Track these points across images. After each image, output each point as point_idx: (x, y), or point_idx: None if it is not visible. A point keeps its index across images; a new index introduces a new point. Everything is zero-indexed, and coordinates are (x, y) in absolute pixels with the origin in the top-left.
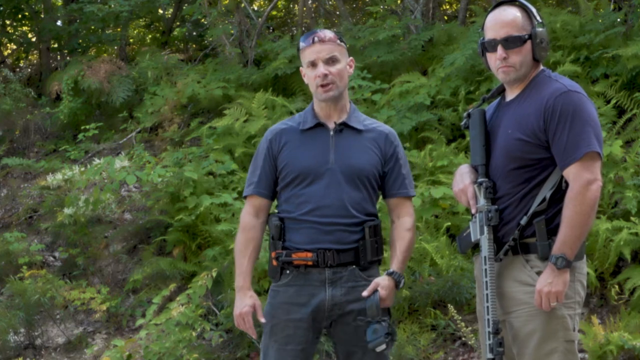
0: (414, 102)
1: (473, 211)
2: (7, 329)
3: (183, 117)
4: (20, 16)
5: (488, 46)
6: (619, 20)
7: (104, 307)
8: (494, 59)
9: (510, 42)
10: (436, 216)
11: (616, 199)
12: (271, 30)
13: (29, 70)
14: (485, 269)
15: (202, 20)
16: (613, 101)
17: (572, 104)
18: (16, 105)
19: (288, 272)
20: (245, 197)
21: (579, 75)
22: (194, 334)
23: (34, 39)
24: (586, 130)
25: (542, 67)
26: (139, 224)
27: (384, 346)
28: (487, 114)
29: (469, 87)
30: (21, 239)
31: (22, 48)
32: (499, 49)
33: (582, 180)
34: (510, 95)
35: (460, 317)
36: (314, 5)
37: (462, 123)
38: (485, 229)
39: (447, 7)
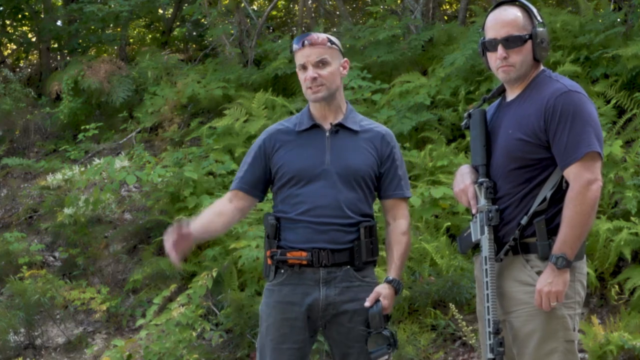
0: (414, 102)
1: (474, 211)
2: (7, 329)
3: (183, 117)
4: (20, 16)
5: (489, 46)
6: (619, 20)
7: (104, 307)
8: (495, 59)
9: (511, 42)
10: (436, 216)
11: (616, 199)
12: (271, 30)
13: (29, 70)
14: (486, 269)
15: (202, 20)
16: (613, 101)
17: (572, 104)
18: (16, 105)
19: (283, 271)
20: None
21: (579, 75)
22: (194, 334)
23: (34, 39)
24: (586, 130)
25: (542, 67)
26: (139, 224)
27: (386, 357)
28: (488, 114)
29: (469, 87)
30: (21, 239)
31: (22, 48)
32: (500, 48)
33: (583, 180)
34: (510, 95)
35: (460, 317)
36: (314, 5)
37: (463, 123)
38: (486, 229)
39: (447, 7)
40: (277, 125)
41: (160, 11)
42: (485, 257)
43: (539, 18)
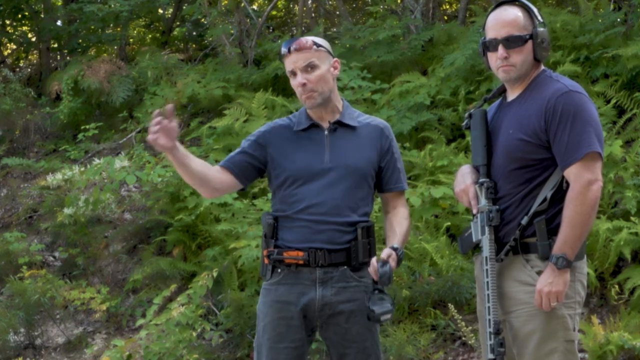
0: (414, 102)
1: (474, 211)
2: (7, 328)
3: (183, 117)
4: (20, 16)
5: (489, 45)
6: (618, 20)
7: (103, 307)
8: (495, 59)
9: (512, 42)
10: (436, 216)
11: (616, 199)
12: (271, 30)
13: (29, 70)
14: (487, 269)
15: (202, 20)
16: (613, 101)
17: (573, 104)
18: (16, 105)
19: (279, 270)
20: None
21: (579, 75)
22: (194, 334)
23: (33, 39)
24: (587, 131)
25: (543, 67)
26: (138, 224)
27: (389, 316)
28: (489, 114)
29: (468, 87)
30: (21, 239)
31: (22, 48)
32: (500, 48)
33: (583, 180)
34: (511, 95)
35: (460, 317)
36: (314, 5)
37: (464, 123)
38: (487, 229)
39: (447, 7)
40: (279, 121)
41: (160, 11)
42: (486, 257)
43: (539, 18)
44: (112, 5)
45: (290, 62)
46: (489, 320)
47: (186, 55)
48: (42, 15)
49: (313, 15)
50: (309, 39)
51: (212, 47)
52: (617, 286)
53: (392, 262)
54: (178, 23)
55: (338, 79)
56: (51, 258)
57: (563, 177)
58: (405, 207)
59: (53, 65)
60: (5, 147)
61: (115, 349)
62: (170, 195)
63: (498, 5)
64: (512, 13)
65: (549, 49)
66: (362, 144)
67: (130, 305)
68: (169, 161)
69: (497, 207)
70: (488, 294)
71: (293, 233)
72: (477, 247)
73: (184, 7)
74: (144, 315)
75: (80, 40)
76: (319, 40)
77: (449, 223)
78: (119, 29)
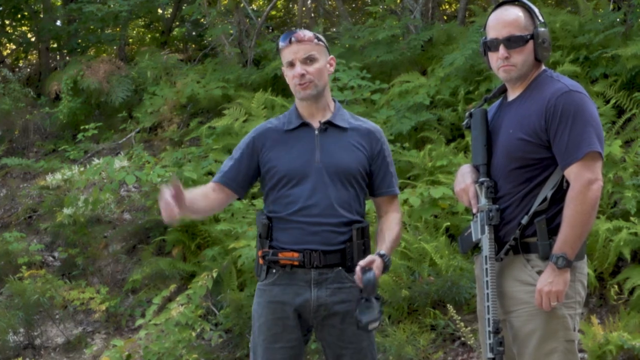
0: (414, 102)
1: (474, 211)
2: (7, 329)
3: (182, 117)
4: (19, 16)
5: (490, 45)
6: (618, 20)
7: (103, 307)
8: (496, 59)
9: (512, 42)
10: (435, 216)
11: (615, 199)
12: (270, 30)
13: (28, 70)
14: (486, 269)
15: (202, 20)
16: (612, 101)
17: (573, 103)
18: (15, 105)
19: (274, 271)
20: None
21: (579, 75)
22: (193, 334)
23: (33, 39)
24: (587, 130)
25: (543, 67)
26: (138, 224)
27: (377, 324)
28: (489, 114)
29: (468, 87)
30: (20, 239)
31: (22, 48)
32: (501, 48)
33: (583, 180)
34: (512, 95)
35: (459, 317)
36: (314, 5)
37: (464, 123)
38: (487, 228)
39: (447, 7)
40: (266, 124)
41: (160, 11)
42: (486, 256)
43: (540, 18)
44: (112, 5)
45: (291, 53)
46: (489, 319)
47: (185, 55)
48: (42, 15)
49: (312, 15)
50: (309, 32)
51: (211, 47)
52: (616, 286)
53: (377, 270)
54: (177, 23)
55: (338, 79)
56: (50, 258)
57: (563, 176)
58: (397, 212)
59: (52, 65)
60: (4, 147)
61: (114, 349)
62: None
63: (499, 5)
64: (513, 13)
65: (549, 49)
66: (351, 145)
67: (130, 305)
68: (168, 161)
69: (497, 206)
70: (488, 293)
71: (288, 235)
72: (477, 247)
73: (184, 7)
74: (143, 315)
75: (79, 40)
76: (319, 35)
77: (448, 223)
78: (118, 29)
